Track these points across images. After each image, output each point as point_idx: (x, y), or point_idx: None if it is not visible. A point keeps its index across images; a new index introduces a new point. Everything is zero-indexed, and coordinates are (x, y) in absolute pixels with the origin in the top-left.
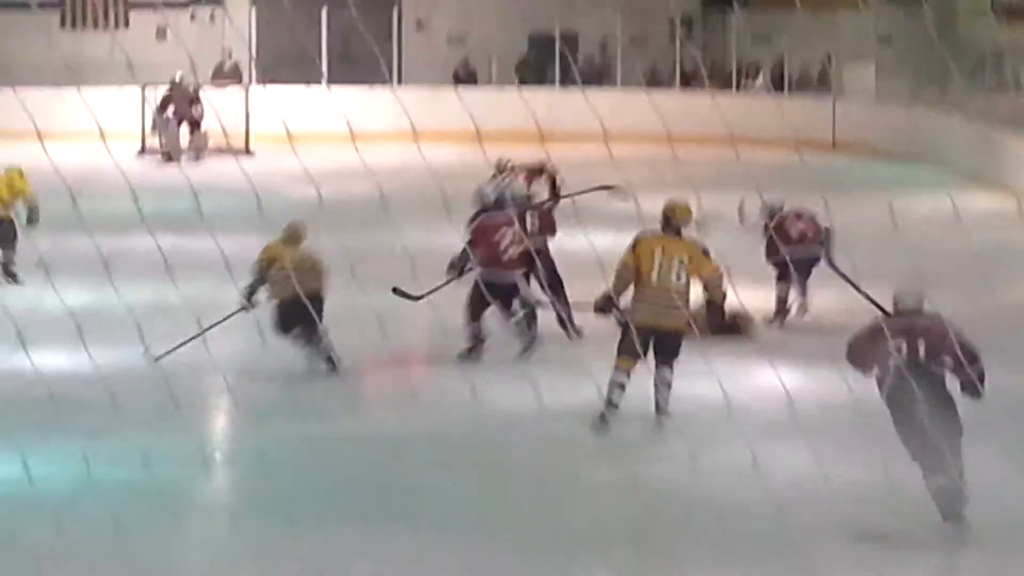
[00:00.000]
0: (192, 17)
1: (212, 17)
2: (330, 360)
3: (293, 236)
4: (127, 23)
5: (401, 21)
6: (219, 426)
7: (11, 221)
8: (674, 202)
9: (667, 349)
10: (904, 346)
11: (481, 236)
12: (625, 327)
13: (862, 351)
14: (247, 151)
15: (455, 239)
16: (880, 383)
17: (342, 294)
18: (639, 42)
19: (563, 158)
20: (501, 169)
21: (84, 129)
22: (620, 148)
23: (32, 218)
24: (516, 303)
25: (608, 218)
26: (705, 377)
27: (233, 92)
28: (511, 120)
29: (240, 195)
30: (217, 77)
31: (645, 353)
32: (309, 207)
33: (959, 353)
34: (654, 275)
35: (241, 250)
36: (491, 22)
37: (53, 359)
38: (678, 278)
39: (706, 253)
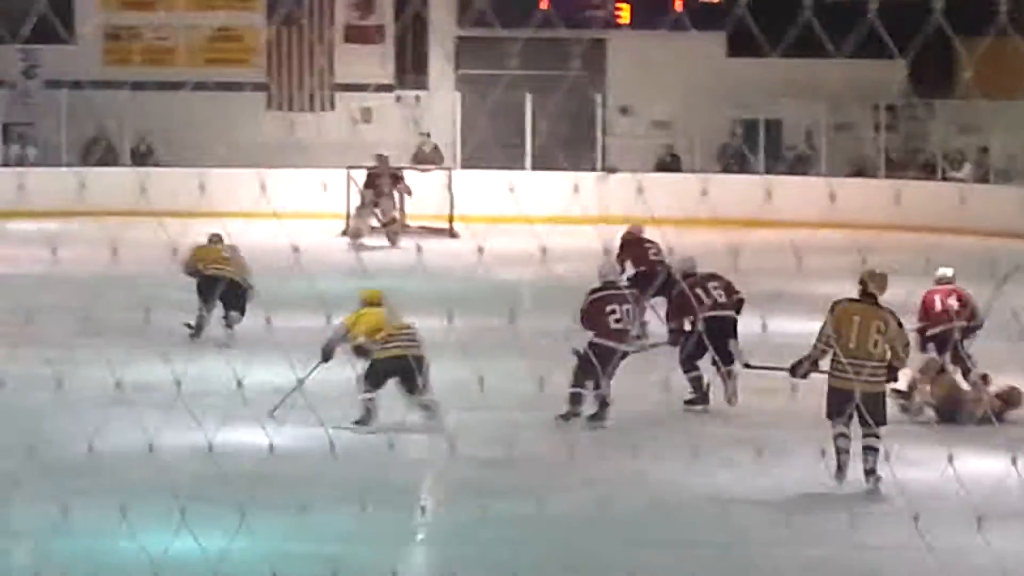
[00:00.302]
0: (398, 100)
1: (417, 99)
2: (426, 407)
3: (375, 303)
4: (332, 106)
5: (606, 106)
6: (419, 505)
7: (239, 285)
8: (872, 271)
9: (870, 414)
10: None
11: (595, 308)
12: (830, 392)
13: None
14: (451, 234)
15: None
16: None
17: (542, 376)
18: (844, 129)
19: (765, 243)
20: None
21: (289, 209)
22: (824, 235)
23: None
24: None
25: (789, 299)
26: (909, 461)
27: (436, 175)
28: (715, 207)
29: (444, 276)
30: (419, 160)
31: (848, 417)
32: (511, 289)
33: None
34: (853, 341)
35: (443, 330)
36: (695, 108)
37: (255, 435)
38: (875, 345)
39: (900, 324)
